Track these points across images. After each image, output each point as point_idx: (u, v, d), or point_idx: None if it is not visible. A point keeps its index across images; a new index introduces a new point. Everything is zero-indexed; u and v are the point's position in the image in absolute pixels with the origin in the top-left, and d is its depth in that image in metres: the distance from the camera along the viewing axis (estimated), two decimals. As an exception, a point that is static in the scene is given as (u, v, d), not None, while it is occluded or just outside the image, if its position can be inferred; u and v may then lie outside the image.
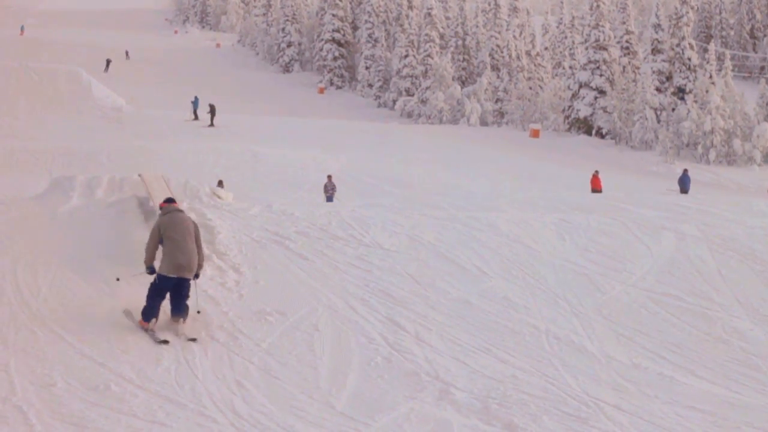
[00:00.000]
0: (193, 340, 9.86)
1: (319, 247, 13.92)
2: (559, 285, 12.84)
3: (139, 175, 17.22)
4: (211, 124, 48.03)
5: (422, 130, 55.70)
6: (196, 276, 10.35)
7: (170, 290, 10.20)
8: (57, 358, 9.16)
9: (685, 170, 35.84)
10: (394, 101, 71.69)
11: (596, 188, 31.45)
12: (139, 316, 10.24)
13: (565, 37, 73.67)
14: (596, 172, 32.96)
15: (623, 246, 14.95)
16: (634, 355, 10.32)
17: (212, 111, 48.21)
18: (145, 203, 15.34)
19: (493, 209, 17.99)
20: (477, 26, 75.19)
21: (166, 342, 9.73)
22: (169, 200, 10.77)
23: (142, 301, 10.42)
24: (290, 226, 14.96)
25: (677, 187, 34.24)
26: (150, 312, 10.14)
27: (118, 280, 11.02)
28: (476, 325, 11.02)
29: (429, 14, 72.50)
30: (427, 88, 67.46)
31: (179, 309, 10.25)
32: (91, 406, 8.00)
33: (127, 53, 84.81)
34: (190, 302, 10.40)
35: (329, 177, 27.57)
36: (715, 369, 10.09)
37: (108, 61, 76.94)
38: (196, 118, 49.88)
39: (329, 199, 26.01)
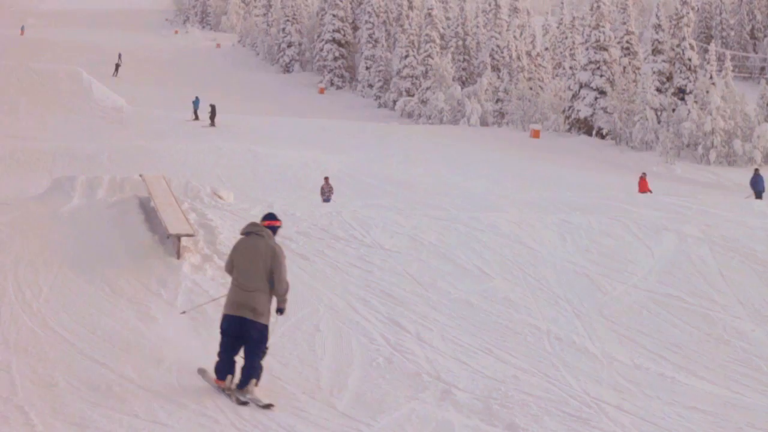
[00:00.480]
0: (269, 406, 8.15)
1: (320, 248, 13.93)
2: (560, 285, 12.84)
3: (140, 176, 17.25)
4: (212, 124, 48.02)
5: (423, 131, 55.69)
6: (279, 311, 8.47)
7: (237, 336, 8.34)
8: (58, 358, 9.16)
9: (756, 170, 31.79)
10: (395, 101, 71.64)
11: (645, 191, 29.52)
12: (213, 374, 8.55)
13: (566, 38, 73.62)
14: (644, 174, 31.25)
15: (624, 247, 14.95)
16: (635, 356, 10.32)
17: (213, 111, 48.20)
18: (146, 203, 15.36)
19: (494, 210, 17.99)
20: (477, 26, 75.17)
21: (245, 404, 8.19)
22: (268, 216, 8.62)
23: (181, 340, 9.44)
24: (291, 226, 14.97)
25: (752, 192, 30.31)
26: (222, 366, 8.43)
27: (183, 313, 9.45)
28: (477, 325, 11.03)
29: (429, 14, 72.47)
30: (427, 88, 67.43)
31: (247, 370, 8.31)
32: (92, 406, 8.00)
33: (119, 56, 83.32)
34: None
35: (326, 179, 26.92)
36: (716, 370, 10.09)
37: (117, 65, 76.11)
38: (197, 118, 49.88)
39: (327, 201, 25.37)
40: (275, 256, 8.27)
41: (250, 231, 8.44)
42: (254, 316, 8.24)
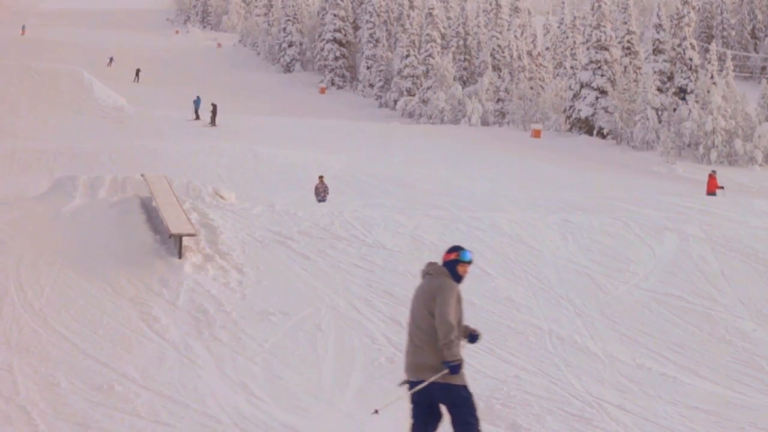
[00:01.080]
0: None
1: (322, 247, 13.93)
2: (561, 285, 12.83)
3: (142, 175, 17.26)
4: (213, 124, 48.02)
5: (423, 130, 55.66)
6: (452, 368, 6.37)
7: (429, 404, 6.60)
8: (60, 358, 9.16)
9: None
10: (396, 101, 71.62)
11: (714, 190, 27.89)
12: None
13: (567, 37, 73.60)
14: (713, 172, 29.72)
15: (626, 246, 14.94)
16: (637, 356, 10.31)
17: (214, 111, 48.21)
18: (147, 203, 15.36)
19: (495, 209, 17.99)
20: (478, 26, 75.13)
21: None
22: (453, 249, 6.71)
23: None
24: (293, 226, 14.97)
25: None
26: None
27: (376, 412, 7.03)
28: (479, 325, 10.91)
29: (430, 14, 72.46)
30: (428, 88, 67.41)
31: None
32: (94, 405, 8.00)
33: (111, 60, 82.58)
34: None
35: (320, 178, 25.75)
36: (718, 369, 10.08)
37: (138, 71, 75.32)
38: (198, 117, 49.89)
39: (322, 201, 24.18)
40: (439, 290, 6.49)
41: (424, 272, 6.76)
42: (422, 374, 6.54)
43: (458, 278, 6.65)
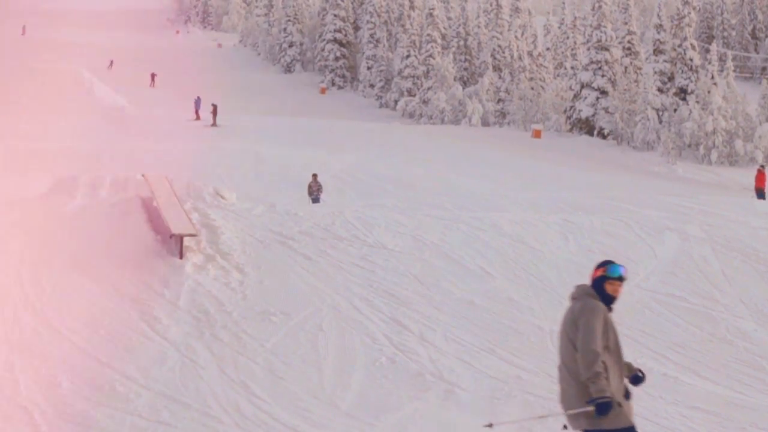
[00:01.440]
0: None
1: (323, 248, 13.93)
2: (562, 285, 12.81)
3: (143, 175, 17.27)
4: (214, 124, 48.05)
5: (424, 131, 55.65)
6: (598, 407, 5.61)
7: None
8: (62, 358, 9.17)
9: None
10: (396, 101, 71.64)
11: (762, 186, 25.35)
12: None
13: (567, 38, 73.59)
14: (762, 167, 26.92)
15: (627, 246, 14.93)
16: (638, 356, 10.29)
17: (214, 111, 48.26)
18: (148, 203, 15.37)
19: (496, 209, 17.98)
20: (479, 26, 75.15)
21: None
22: (601, 264, 5.80)
23: None
24: (294, 226, 14.98)
25: None
26: None
27: (490, 426, 6.17)
28: (480, 325, 11.02)
29: (431, 14, 72.48)
30: (428, 88, 67.42)
31: None
32: (95, 405, 8.01)
33: (111, 63, 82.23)
34: None
35: (314, 176, 25.25)
36: (719, 369, 10.08)
37: (153, 75, 75.08)
38: (199, 118, 49.93)
39: (315, 200, 23.99)
40: (581, 313, 5.57)
41: (570, 296, 5.83)
42: (569, 420, 5.81)
43: (608, 299, 5.66)
